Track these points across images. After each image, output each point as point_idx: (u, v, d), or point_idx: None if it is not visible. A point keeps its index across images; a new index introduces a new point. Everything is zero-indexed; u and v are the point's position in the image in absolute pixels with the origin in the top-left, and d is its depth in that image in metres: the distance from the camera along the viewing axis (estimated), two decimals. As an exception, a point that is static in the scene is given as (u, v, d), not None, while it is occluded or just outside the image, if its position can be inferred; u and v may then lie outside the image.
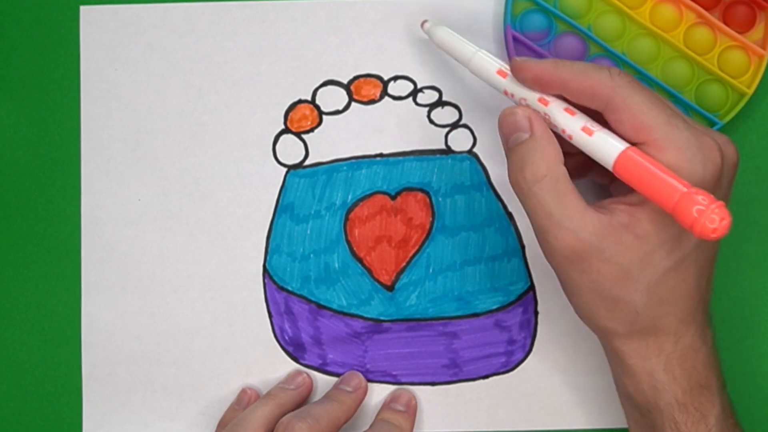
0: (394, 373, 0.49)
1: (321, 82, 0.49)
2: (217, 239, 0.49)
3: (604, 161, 0.37)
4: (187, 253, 0.49)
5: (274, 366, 0.49)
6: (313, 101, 0.49)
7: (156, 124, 0.49)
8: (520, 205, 0.40)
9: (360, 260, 0.49)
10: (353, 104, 0.49)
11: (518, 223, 0.48)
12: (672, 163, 0.36)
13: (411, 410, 0.48)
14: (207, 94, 0.49)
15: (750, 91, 0.47)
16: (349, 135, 0.49)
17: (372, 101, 0.49)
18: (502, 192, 0.49)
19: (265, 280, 0.49)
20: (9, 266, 0.49)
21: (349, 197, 0.49)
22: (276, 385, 0.48)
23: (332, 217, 0.49)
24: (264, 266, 0.49)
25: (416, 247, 0.48)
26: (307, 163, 0.49)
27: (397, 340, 0.49)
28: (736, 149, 0.39)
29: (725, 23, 0.48)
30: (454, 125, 0.49)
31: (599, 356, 0.45)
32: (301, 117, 0.49)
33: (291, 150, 0.49)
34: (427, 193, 0.49)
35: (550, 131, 0.39)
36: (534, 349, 0.49)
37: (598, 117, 0.39)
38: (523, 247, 0.49)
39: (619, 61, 0.47)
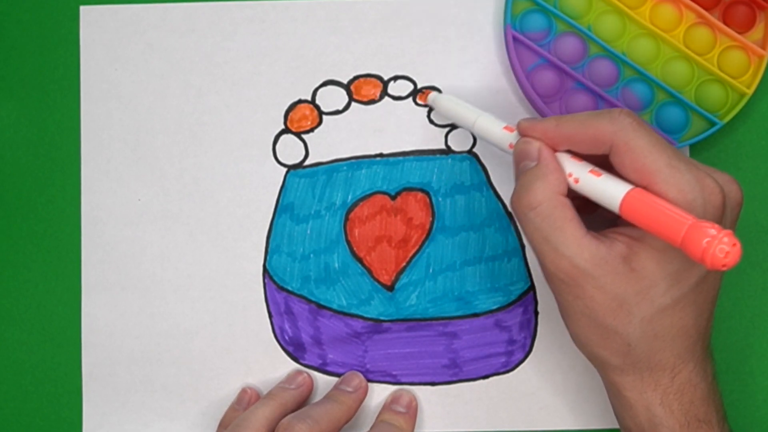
0: (394, 373, 0.49)
1: (321, 82, 0.49)
2: (217, 239, 0.49)
3: (610, 205, 0.38)
4: (187, 253, 0.49)
5: (274, 366, 0.49)
6: (313, 101, 0.49)
7: (156, 124, 0.49)
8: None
9: (360, 260, 0.49)
10: (353, 104, 0.49)
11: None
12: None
13: (412, 411, 0.48)
14: (207, 94, 0.49)
15: (750, 91, 0.47)
16: (349, 135, 0.49)
17: (372, 101, 0.49)
18: (502, 192, 0.49)
19: (265, 280, 0.49)
20: (9, 266, 0.49)
21: (349, 197, 0.49)
22: (277, 385, 0.48)
23: (332, 217, 0.49)
24: (264, 266, 0.49)
25: (416, 247, 0.48)
26: (307, 163, 0.49)
27: (397, 340, 0.49)
28: (740, 188, 0.39)
29: (725, 23, 0.48)
30: (454, 125, 0.49)
31: (599, 356, 0.45)
32: (301, 117, 0.49)
33: (291, 150, 0.49)
34: (427, 193, 0.49)
35: (556, 162, 0.40)
36: (534, 349, 0.49)
37: (605, 163, 0.39)
38: (523, 247, 0.49)
39: (619, 61, 0.47)
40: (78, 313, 0.49)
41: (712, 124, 0.47)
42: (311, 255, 0.49)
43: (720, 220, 0.37)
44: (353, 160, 0.49)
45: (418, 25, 0.49)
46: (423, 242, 0.48)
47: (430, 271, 0.48)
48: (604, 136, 0.38)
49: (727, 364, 0.48)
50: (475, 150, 0.49)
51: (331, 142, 0.49)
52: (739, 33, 0.48)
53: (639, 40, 0.48)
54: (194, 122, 0.49)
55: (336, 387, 0.48)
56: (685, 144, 0.47)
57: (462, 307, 0.48)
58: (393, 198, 0.49)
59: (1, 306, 0.49)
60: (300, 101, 0.49)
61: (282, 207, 0.49)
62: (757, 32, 0.48)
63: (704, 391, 0.40)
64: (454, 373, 0.49)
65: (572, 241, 0.38)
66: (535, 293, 0.49)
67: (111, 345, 0.49)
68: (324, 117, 0.49)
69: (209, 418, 0.49)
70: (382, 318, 0.48)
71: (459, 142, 0.49)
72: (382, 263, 0.48)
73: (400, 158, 0.49)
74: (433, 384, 0.49)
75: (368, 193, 0.49)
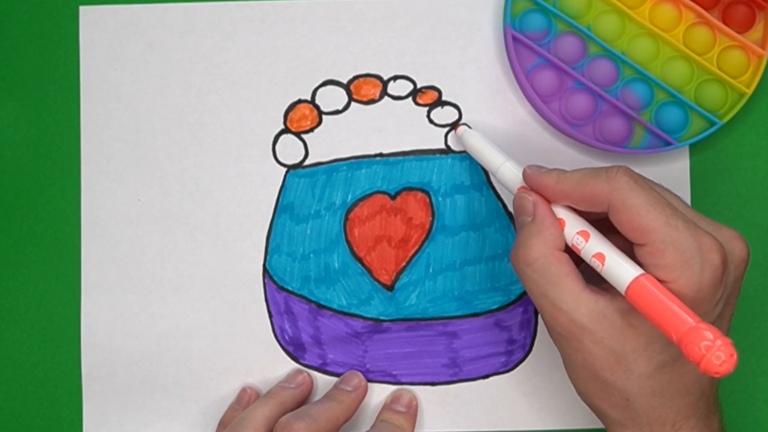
0: (394, 372, 0.49)
1: (321, 82, 0.49)
2: (217, 239, 0.49)
3: (617, 286, 0.37)
4: (187, 253, 0.49)
5: (274, 366, 0.49)
6: (312, 101, 0.49)
7: (156, 124, 0.49)
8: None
9: (360, 260, 0.49)
10: (353, 104, 0.49)
11: (518, 223, 0.49)
12: (669, 264, 0.36)
13: (412, 411, 0.48)
14: (207, 94, 0.49)
15: (749, 91, 0.47)
16: (349, 135, 0.49)
17: (372, 101, 0.49)
18: (502, 192, 0.49)
19: (265, 280, 0.49)
20: (9, 266, 0.49)
21: (349, 197, 0.49)
22: (276, 384, 0.48)
23: (332, 217, 0.49)
24: (264, 266, 0.49)
25: (416, 247, 0.48)
26: (306, 163, 0.49)
27: (397, 340, 0.49)
28: (746, 244, 0.39)
29: (725, 23, 0.48)
30: (454, 125, 0.49)
31: (599, 356, 0.45)
32: (301, 117, 0.49)
33: (291, 150, 0.49)
34: (427, 193, 0.49)
35: (552, 217, 0.40)
36: (534, 349, 0.49)
37: (608, 219, 0.39)
38: (523, 246, 0.49)
39: (618, 61, 0.47)
40: (78, 313, 0.49)
41: (712, 123, 0.47)
42: (311, 255, 0.49)
43: (720, 278, 0.37)
44: (353, 160, 0.49)
45: (417, 25, 0.49)
46: (423, 242, 0.48)
47: (430, 270, 0.48)
48: (601, 196, 0.38)
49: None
50: (474, 150, 0.49)
51: (330, 142, 0.49)
52: (739, 33, 0.48)
53: (638, 40, 0.48)
54: (194, 122, 0.49)
55: (335, 386, 0.48)
56: (685, 144, 0.47)
57: (462, 307, 0.48)
58: (393, 198, 0.49)
59: (1, 306, 0.49)
60: (300, 101, 0.49)
61: (282, 207, 0.49)
62: (757, 32, 0.48)
63: None
64: (454, 372, 0.49)
65: (569, 296, 0.38)
66: (535, 293, 0.49)
67: (111, 345, 0.49)
68: (324, 117, 0.49)
69: (209, 418, 0.49)
70: (382, 318, 0.48)
71: (459, 142, 0.49)
72: (382, 263, 0.48)
73: (400, 158, 0.49)
74: (433, 384, 0.49)
75: (368, 192, 0.49)
